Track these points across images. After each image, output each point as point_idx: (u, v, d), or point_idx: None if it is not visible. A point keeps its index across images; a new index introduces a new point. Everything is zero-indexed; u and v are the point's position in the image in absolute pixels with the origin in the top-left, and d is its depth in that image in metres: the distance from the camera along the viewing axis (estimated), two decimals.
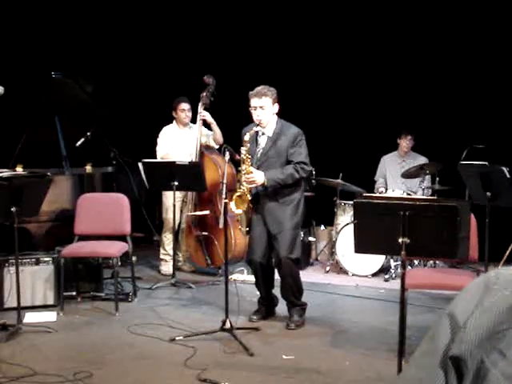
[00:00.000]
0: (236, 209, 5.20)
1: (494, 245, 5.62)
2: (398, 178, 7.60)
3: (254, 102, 5.39)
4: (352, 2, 8.47)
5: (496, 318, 0.78)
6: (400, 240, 3.72)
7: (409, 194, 7.25)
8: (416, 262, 7.01)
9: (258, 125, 5.33)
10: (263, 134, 5.44)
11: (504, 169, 5.15)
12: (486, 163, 5.33)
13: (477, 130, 7.60)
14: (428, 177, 7.49)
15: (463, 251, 3.63)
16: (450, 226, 3.58)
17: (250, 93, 5.44)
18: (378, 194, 7.14)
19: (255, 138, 5.45)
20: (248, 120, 8.79)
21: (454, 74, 7.95)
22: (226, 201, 5.01)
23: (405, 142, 7.72)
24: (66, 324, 5.38)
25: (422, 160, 7.57)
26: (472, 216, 4.64)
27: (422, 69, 8.16)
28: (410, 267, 6.77)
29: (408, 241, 3.72)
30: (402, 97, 8.26)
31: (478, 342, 0.76)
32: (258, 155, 5.40)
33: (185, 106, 7.31)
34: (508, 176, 5.15)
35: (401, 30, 8.22)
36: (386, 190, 7.58)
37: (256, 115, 5.36)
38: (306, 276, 7.48)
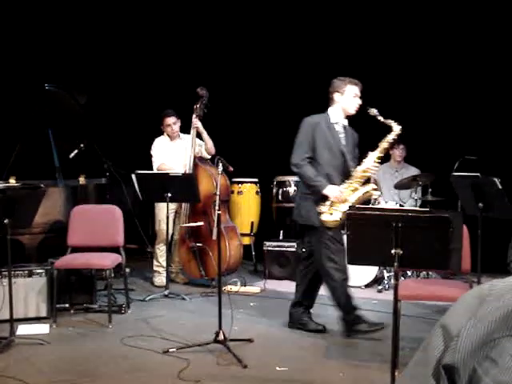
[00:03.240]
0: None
1: (487, 256, 5.63)
2: (390, 189, 7.62)
3: (358, 90, 5.32)
4: (339, 12, 8.51)
5: (489, 328, 0.78)
6: (393, 251, 3.73)
7: (401, 205, 7.28)
8: (409, 272, 7.03)
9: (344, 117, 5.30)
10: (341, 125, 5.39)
11: (496, 180, 5.18)
12: (479, 174, 5.36)
13: (469, 141, 7.65)
14: (420, 188, 7.52)
15: (456, 262, 3.64)
16: (442, 238, 3.60)
17: (354, 80, 5.33)
18: (370, 206, 7.16)
19: (330, 127, 5.35)
20: (239, 131, 8.84)
21: (446, 85, 8.01)
22: (220, 212, 5.02)
23: (398, 152, 7.77)
24: (59, 336, 5.36)
25: (415, 171, 7.61)
26: (464, 227, 4.66)
27: (415, 80, 8.20)
28: (403, 278, 6.79)
29: (401, 252, 3.73)
30: (394, 108, 8.28)
31: (471, 350, 0.77)
32: (345, 147, 5.30)
33: (169, 120, 7.30)
34: (500, 187, 5.18)
35: (394, 40, 8.27)
36: (380, 198, 7.60)
37: (358, 103, 5.31)
38: None
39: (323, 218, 5.13)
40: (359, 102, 5.29)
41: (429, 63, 8.11)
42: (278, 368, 4.59)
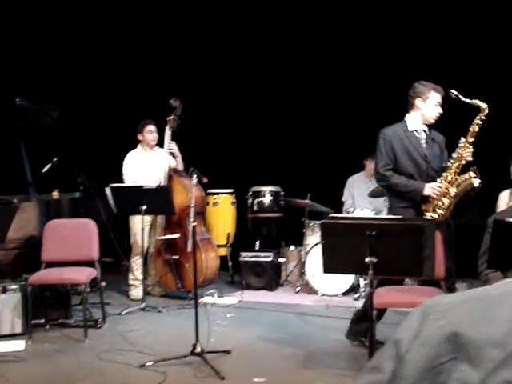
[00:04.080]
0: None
1: (461, 262, 5.69)
2: (364, 197, 7.68)
3: (441, 98, 5.14)
4: (313, 20, 8.57)
5: (433, 351, 0.80)
6: (367, 259, 3.76)
7: (376, 214, 7.33)
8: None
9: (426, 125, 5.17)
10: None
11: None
12: None
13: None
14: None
15: (429, 269, 3.68)
16: (415, 245, 3.64)
17: (438, 87, 5.13)
18: (344, 215, 7.20)
19: (408, 135, 5.21)
20: (214, 141, 8.84)
21: None
22: (195, 224, 5.01)
23: (371, 166, 7.83)
24: (35, 352, 5.30)
25: None
26: (438, 234, 4.70)
27: (385, 90, 8.28)
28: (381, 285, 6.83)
29: (375, 260, 3.77)
30: (367, 117, 8.36)
31: (418, 376, 0.78)
32: (428, 153, 5.15)
33: (152, 127, 7.33)
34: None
35: (366, 51, 8.35)
36: (354, 210, 7.65)
37: (439, 112, 5.16)
38: (277, 297, 7.53)
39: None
40: (440, 111, 5.14)
41: (400, 73, 8.20)
42: (255, 379, 4.58)
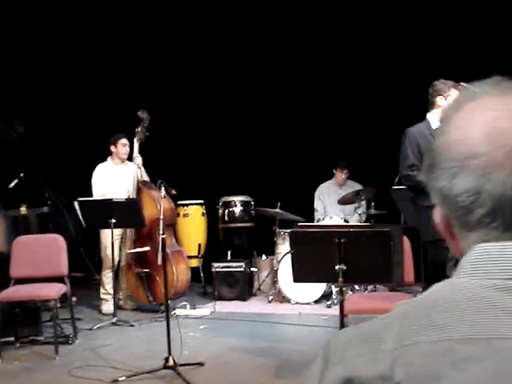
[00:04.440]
0: None
1: (430, 266, 5.72)
2: (335, 205, 7.72)
3: None
4: (278, 27, 8.62)
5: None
6: (337, 267, 3.78)
7: (346, 221, 7.38)
8: (357, 286, 7.12)
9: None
10: None
11: None
12: None
13: None
14: (364, 202, 7.65)
15: (398, 275, 3.71)
16: (384, 251, 3.66)
17: (458, 85, 4.92)
18: (313, 223, 7.23)
19: (432, 133, 4.99)
20: (182, 153, 8.81)
21: (387, 101, 8.15)
22: (164, 236, 4.99)
23: (341, 176, 7.91)
24: (5, 371, 5.22)
25: (358, 186, 7.73)
26: (406, 239, 4.75)
27: (354, 97, 8.35)
28: (351, 292, 6.87)
29: (345, 267, 3.79)
30: (336, 125, 8.43)
31: None
32: None
33: (125, 140, 7.31)
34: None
35: (334, 58, 8.40)
36: (325, 218, 7.69)
37: None
38: (250, 307, 7.52)
39: None
40: None
41: (369, 80, 8.27)
42: None
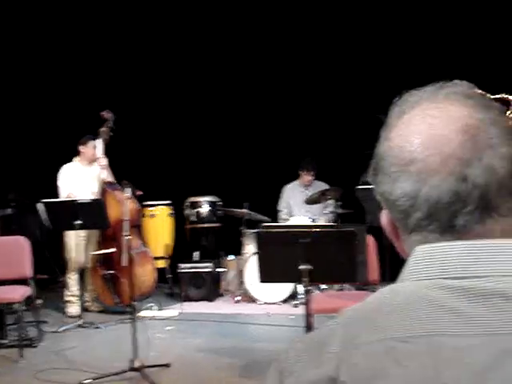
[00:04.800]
0: None
1: (395, 265, 5.77)
2: (301, 205, 7.75)
3: None
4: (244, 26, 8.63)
5: None
6: (302, 267, 3.80)
7: (313, 221, 7.41)
8: (324, 286, 7.15)
9: None
10: None
11: None
12: None
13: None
14: (331, 202, 7.68)
15: (362, 274, 3.74)
16: (348, 251, 3.69)
17: None
18: (278, 224, 7.25)
19: None
20: (148, 153, 8.76)
21: (352, 102, 8.21)
22: (129, 237, 4.96)
23: (307, 177, 7.93)
24: None
25: (324, 186, 7.77)
26: (371, 238, 4.79)
27: (319, 97, 8.40)
28: (318, 291, 6.90)
29: (310, 267, 3.81)
30: (302, 125, 8.46)
31: None
32: None
33: (95, 142, 7.23)
34: None
35: (300, 59, 8.44)
36: (291, 218, 7.71)
37: None
38: (217, 307, 7.51)
39: None
40: None
41: (330, 79, 8.32)
42: None
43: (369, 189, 5.64)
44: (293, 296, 7.38)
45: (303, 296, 7.12)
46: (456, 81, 0.90)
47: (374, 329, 0.80)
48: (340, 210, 7.40)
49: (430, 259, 0.83)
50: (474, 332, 0.76)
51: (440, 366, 0.75)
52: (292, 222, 7.41)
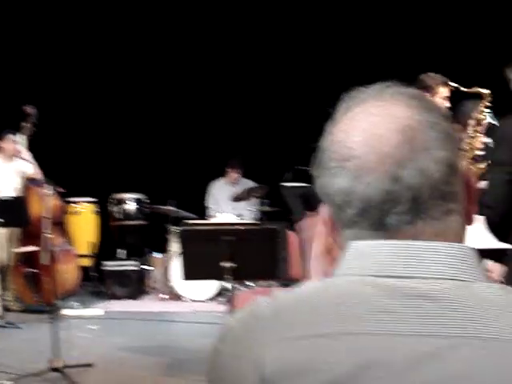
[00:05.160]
0: None
1: None
2: (228, 202, 7.77)
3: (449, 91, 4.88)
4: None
5: None
6: (225, 264, 3.81)
7: (240, 218, 7.44)
8: (251, 283, 7.17)
9: None
10: None
11: None
12: (307, 184, 5.59)
13: (302, 151, 7.92)
14: (257, 199, 7.74)
15: (284, 271, 3.79)
16: (270, 248, 3.73)
17: (447, 80, 4.81)
18: (201, 221, 7.24)
19: None
20: (75, 150, 8.58)
21: (279, 100, 8.26)
22: (50, 235, 4.86)
23: (233, 175, 7.96)
24: None
25: (250, 184, 7.81)
26: (295, 236, 4.85)
27: (246, 95, 8.42)
28: (244, 289, 6.93)
29: (233, 265, 3.82)
30: (229, 122, 8.46)
31: None
32: None
33: (13, 137, 7.03)
34: None
35: (226, 55, 8.44)
36: (217, 215, 7.72)
37: (447, 106, 4.89)
38: (142, 306, 7.45)
39: None
40: (448, 105, 4.92)
41: (250, 79, 8.36)
42: None
43: (294, 186, 5.72)
44: (220, 293, 7.39)
45: (230, 293, 7.19)
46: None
47: (305, 323, 0.80)
48: (266, 208, 7.46)
49: (362, 256, 0.84)
50: (401, 332, 0.77)
51: (365, 364, 0.76)
52: (218, 219, 7.42)
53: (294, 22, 8.23)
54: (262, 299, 0.87)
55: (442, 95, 4.91)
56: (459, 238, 0.86)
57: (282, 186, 5.92)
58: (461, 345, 0.76)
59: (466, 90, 4.77)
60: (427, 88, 4.93)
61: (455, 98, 4.88)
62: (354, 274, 0.83)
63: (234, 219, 7.30)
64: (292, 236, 4.62)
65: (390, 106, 0.86)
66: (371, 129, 0.84)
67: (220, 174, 8.16)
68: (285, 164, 7.64)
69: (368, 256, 0.83)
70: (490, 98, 4.76)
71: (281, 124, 8.32)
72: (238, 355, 0.82)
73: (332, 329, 0.78)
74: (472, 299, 0.79)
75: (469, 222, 0.89)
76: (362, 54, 7.78)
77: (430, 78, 4.95)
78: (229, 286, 7.24)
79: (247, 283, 7.19)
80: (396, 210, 0.82)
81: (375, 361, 0.76)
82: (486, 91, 4.76)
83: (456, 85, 4.79)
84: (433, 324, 0.77)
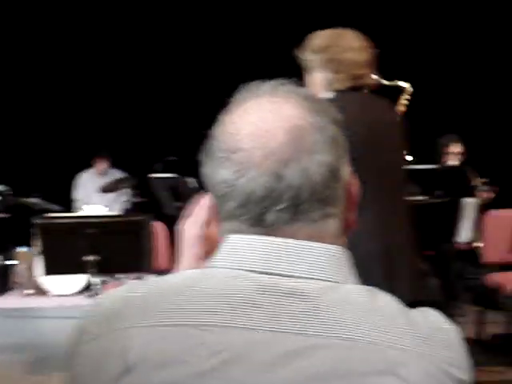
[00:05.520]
0: None
1: None
2: (97, 194, 7.60)
3: None
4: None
5: None
6: (88, 258, 3.73)
7: (108, 210, 7.29)
8: (121, 275, 7.05)
9: None
10: None
11: (192, 180, 5.43)
12: (175, 175, 5.58)
13: (171, 142, 7.88)
14: (127, 190, 7.61)
15: (149, 263, 3.76)
16: (135, 240, 3.69)
17: None
18: (63, 214, 7.04)
19: None
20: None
21: (147, 89, 8.16)
22: None
23: (101, 166, 7.81)
24: None
25: (119, 174, 7.69)
26: (163, 227, 4.82)
27: (111, 85, 8.26)
28: (114, 281, 6.80)
29: (98, 258, 3.75)
30: (96, 112, 8.28)
31: None
32: None
33: None
34: (196, 186, 5.44)
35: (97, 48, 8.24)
36: (85, 207, 7.53)
37: None
38: (6, 302, 7.15)
39: None
40: None
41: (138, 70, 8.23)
42: None
43: (162, 178, 5.69)
44: (88, 287, 7.22)
45: (98, 287, 7.03)
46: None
47: (173, 311, 0.79)
48: (136, 199, 7.37)
49: (238, 250, 0.84)
50: (269, 328, 0.77)
51: (229, 358, 0.76)
52: (86, 211, 7.23)
53: (168, 10, 8.16)
54: (134, 283, 0.86)
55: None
56: (335, 241, 0.87)
57: (150, 177, 5.86)
58: (325, 345, 0.77)
59: (386, 82, 4.92)
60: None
61: (376, 90, 5.03)
62: (228, 267, 0.83)
63: (101, 211, 7.14)
64: (159, 227, 4.59)
65: (282, 104, 0.86)
66: (261, 124, 0.84)
67: (88, 164, 7.96)
68: (156, 154, 7.58)
69: (244, 251, 0.83)
70: (410, 92, 4.99)
71: (151, 112, 8.24)
72: (103, 337, 0.81)
73: (200, 320, 0.78)
74: (341, 301, 0.80)
75: (346, 228, 0.90)
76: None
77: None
78: (97, 279, 7.12)
79: (117, 276, 7.08)
80: (276, 208, 0.82)
81: (240, 355, 0.76)
82: (406, 85, 4.94)
83: (377, 77, 4.93)
84: (301, 323, 0.78)
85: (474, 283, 5.91)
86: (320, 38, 2.59)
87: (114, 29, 8.17)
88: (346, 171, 0.88)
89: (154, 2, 8.22)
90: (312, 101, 0.89)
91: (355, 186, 0.91)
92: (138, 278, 6.76)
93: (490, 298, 5.17)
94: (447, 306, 4.56)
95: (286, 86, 0.90)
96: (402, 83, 5.06)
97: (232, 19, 7.99)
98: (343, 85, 2.50)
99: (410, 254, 2.38)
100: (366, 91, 2.59)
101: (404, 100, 5.14)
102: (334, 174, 0.85)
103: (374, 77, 4.99)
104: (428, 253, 4.78)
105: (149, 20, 8.21)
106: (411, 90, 4.94)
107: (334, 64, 2.52)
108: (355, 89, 2.51)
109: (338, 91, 2.47)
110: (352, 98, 2.48)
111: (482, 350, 4.67)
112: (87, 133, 8.14)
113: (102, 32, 8.19)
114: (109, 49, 8.25)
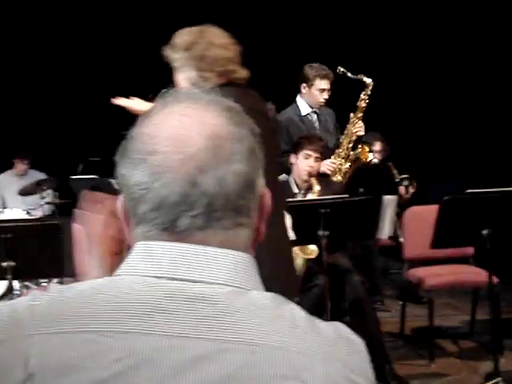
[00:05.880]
0: None
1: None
2: (16, 196, 7.42)
3: (327, 83, 4.87)
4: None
5: None
6: (4, 264, 3.62)
7: (28, 213, 7.10)
8: (45, 280, 6.89)
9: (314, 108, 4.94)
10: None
11: (112, 181, 5.35)
12: (98, 176, 5.49)
13: (94, 143, 7.76)
14: (50, 192, 7.46)
15: (70, 268, 3.68)
16: (54, 244, 3.60)
17: (324, 73, 4.85)
18: None
19: (302, 119, 4.95)
20: None
21: (98, 89, 7.99)
22: None
23: (21, 167, 7.68)
24: None
25: (41, 176, 7.54)
26: (81, 229, 4.70)
27: (35, 84, 8.08)
28: (36, 286, 6.62)
29: (13, 264, 3.65)
30: (16, 113, 8.09)
31: None
32: (322, 133, 4.88)
33: None
34: (116, 188, 5.36)
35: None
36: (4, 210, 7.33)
37: (324, 97, 4.90)
38: None
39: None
40: (326, 97, 4.94)
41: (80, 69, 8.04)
42: None
43: (83, 179, 5.59)
44: (8, 293, 7.00)
45: (19, 293, 6.83)
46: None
47: (76, 319, 0.78)
48: (58, 201, 7.23)
49: (147, 256, 0.83)
50: (175, 334, 0.77)
51: (134, 364, 0.76)
52: (4, 215, 7.02)
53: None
54: (39, 292, 0.85)
55: (317, 87, 5.02)
56: (245, 250, 0.87)
57: (71, 178, 5.74)
58: (231, 349, 0.77)
59: (351, 76, 4.99)
60: (304, 79, 5.03)
61: (341, 83, 5.09)
62: (136, 273, 0.83)
63: (18, 215, 6.94)
64: (80, 231, 4.47)
65: (204, 111, 0.86)
66: (181, 129, 0.84)
67: (7, 165, 7.76)
68: (78, 154, 7.45)
69: (153, 256, 0.83)
70: (371, 87, 5.05)
71: (72, 112, 8.09)
72: (6, 343, 0.79)
73: (103, 327, 0.77)
74: (246, 306, 0.81)
75: (258, 238, 0.92)
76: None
77: (312, 68, 5.02)
78: (17, 285, 6.90)
79: (40, 281, 6.90)
80: (189, 214, 0.82)
81: (145, 361, 0.76)
82: (369, 80, 5.00)
83: (344, 70, 4.98)
84: (207, 327, 0.78)
85: (396, 278, 6.05)
86: (183, 35, 2.57)
87: (40, 28, 7.98)
88: (261, 183, 0.89)
89: None
90: (233, 111, 0.89)
91: (268, 197, 0.92)
92: (61, 283, 6.63)
93: (411, 293, 5.29)
94: (371, 302, 4.63)
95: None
96: (365, 78, 5.16)
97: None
98: (212, 82, 2.48)
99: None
100: (241, 86, 2.56)
101: (365, 95, 5.23)
102: (249, 184, 0.86)
103: (342, 69, 5.08)
104: (352, 249, 4.87)
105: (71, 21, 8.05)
106: (372, 85, 5.04)
107: (199, 61, 2.51)
108: (226, 85, 2.49)
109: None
110: (224, 92, 2.46)
111: (404, 343, 4.77)
112: (6, 133, 7.94)
113: (24, 31, 7.99)
114: (32, 49, 8.05)
